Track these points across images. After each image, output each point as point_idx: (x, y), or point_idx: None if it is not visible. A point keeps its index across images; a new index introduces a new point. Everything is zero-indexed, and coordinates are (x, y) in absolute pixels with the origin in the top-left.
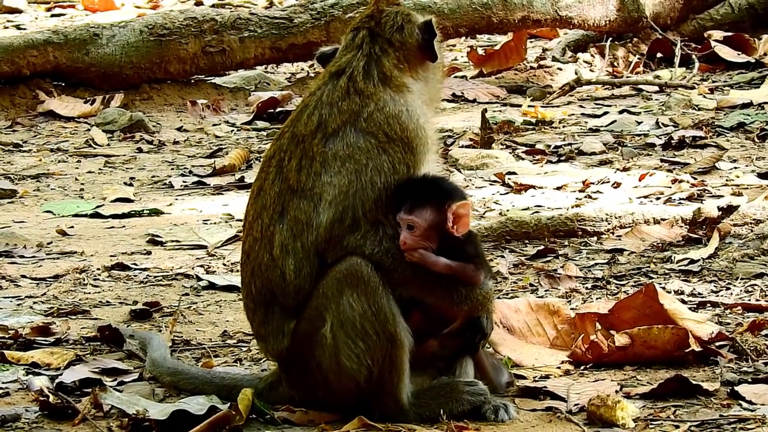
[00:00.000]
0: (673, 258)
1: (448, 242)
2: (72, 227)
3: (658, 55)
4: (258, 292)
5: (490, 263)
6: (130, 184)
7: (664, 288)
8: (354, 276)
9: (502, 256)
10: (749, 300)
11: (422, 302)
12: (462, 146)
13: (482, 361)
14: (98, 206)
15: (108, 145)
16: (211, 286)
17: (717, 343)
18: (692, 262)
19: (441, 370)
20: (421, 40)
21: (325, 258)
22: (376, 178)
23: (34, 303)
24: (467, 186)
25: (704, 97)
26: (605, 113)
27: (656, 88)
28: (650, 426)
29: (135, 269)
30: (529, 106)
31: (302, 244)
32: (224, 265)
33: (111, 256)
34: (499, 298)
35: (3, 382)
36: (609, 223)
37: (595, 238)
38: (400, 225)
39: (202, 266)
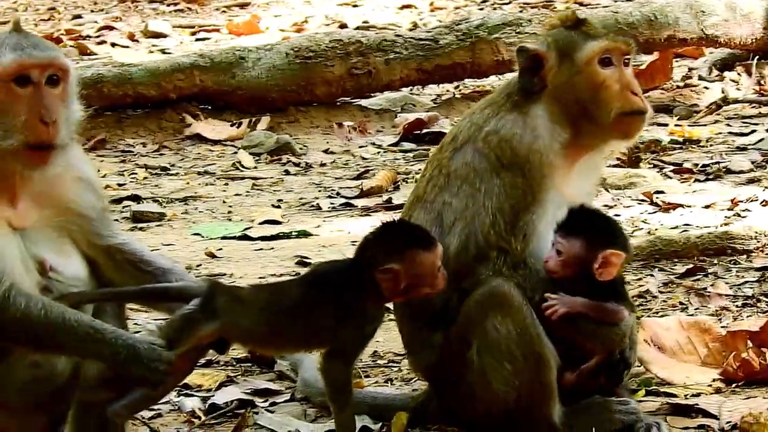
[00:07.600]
0: None
1: (587, 279)
2: (221, 249)
3: None
4: (400, 305)
5: (630, 294)
6: (278, 206)
7: None
8: (497, 297)
9: (651, 275)
10: None
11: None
12: (609, 165)
13: None
14: (246, 228)
15: (255, 167)
16: None
17: None
18: None
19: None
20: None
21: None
22: (488, 202)
23: None
24: (615, 205)
25: None
26: (753, 131)
27: None
28: None
29: None
30: (675, 125)
31: None
32: None
33: (260, 277)
34: (649, 316)
35: (156, 404)
36: (758, 241)
37: (745, 256)
38: (554, 244)
39: None
